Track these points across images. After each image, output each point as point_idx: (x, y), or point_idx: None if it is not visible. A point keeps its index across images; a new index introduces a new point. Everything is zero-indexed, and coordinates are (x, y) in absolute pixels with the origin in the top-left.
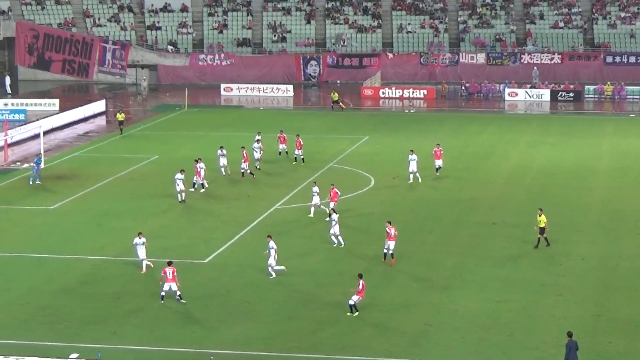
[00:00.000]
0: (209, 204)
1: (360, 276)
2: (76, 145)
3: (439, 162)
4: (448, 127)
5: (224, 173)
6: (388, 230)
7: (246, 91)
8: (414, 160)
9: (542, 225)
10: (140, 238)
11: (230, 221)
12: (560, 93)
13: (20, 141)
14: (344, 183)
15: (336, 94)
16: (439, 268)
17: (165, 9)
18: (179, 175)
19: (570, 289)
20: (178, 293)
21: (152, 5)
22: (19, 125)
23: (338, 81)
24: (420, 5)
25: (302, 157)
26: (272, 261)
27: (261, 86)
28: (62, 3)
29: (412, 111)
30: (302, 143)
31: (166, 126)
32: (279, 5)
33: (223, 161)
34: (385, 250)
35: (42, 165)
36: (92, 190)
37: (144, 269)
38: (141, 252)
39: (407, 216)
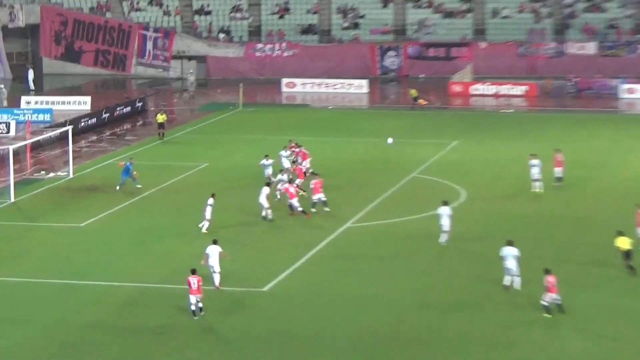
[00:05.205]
0: (269, 222)
1: (548, 272)
2: (111, 151)
3: (558, 171)
4: (553, 130)
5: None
6: None
7: (312, 87)
8: (535, 166)
9: (626, 248)
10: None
11: (294, 242)
12: None
13: (46, 146)
14: (429, 196)
15: (414, 90)
16: None
17: None
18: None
19: None
20: (200, 305)
21: None
22: (44, 128)
23: (421, 75)
24: None
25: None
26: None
27: (329, 81)
28: None
29: (509, 111)
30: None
31: (217, 128)
32: None
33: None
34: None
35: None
36: (129, 205)
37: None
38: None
39: (506, 237)
